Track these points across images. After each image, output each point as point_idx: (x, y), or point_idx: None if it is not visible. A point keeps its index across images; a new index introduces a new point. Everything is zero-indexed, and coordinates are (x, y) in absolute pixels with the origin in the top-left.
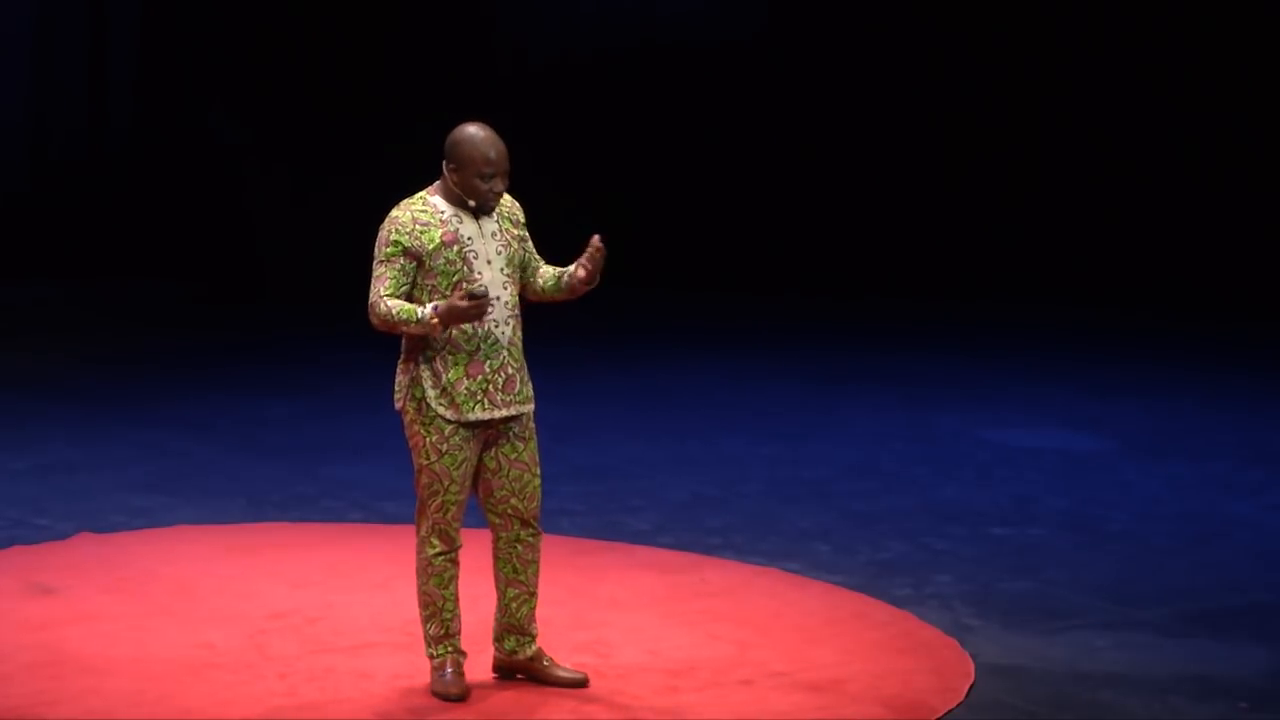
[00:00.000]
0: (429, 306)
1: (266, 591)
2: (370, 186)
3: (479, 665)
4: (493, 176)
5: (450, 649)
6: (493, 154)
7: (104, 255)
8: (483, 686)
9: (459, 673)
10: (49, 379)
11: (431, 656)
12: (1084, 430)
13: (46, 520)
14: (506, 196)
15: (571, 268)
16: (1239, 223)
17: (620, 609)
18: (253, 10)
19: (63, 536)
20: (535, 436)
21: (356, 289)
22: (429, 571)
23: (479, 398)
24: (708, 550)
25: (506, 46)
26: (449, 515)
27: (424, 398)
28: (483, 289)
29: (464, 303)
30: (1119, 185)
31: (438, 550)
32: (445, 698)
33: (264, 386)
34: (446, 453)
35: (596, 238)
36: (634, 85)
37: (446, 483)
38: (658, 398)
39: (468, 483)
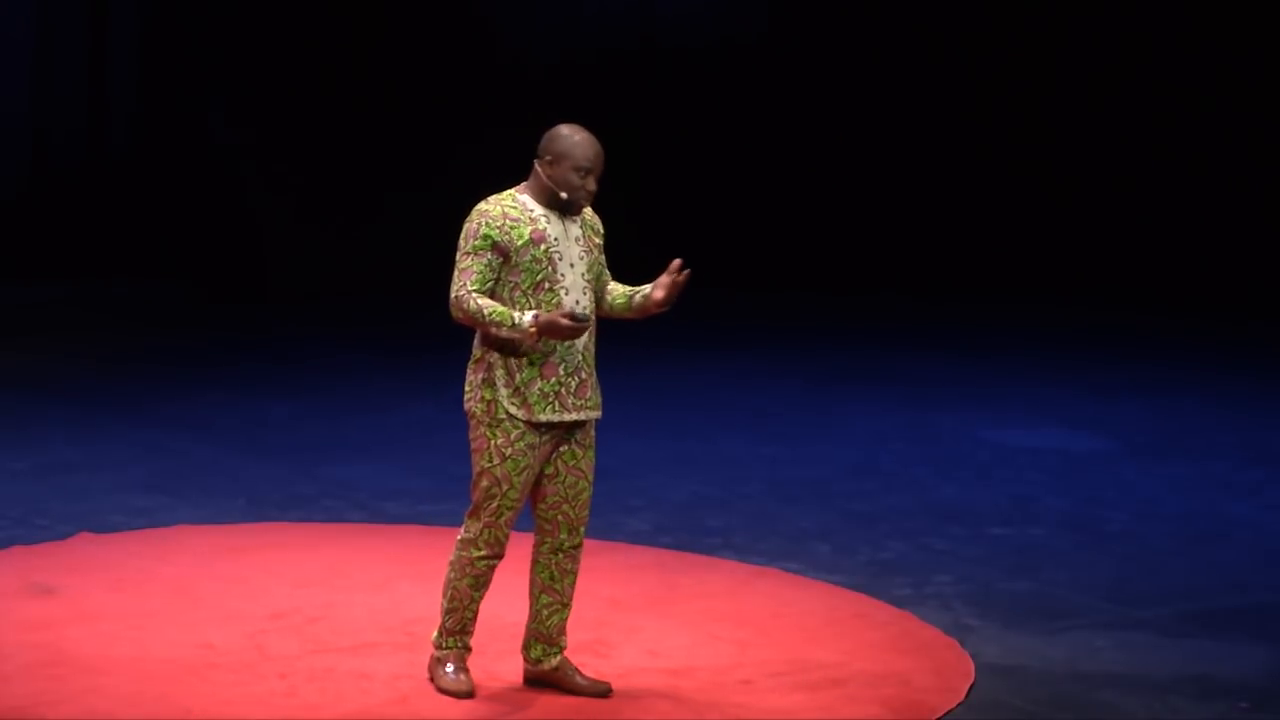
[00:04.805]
0: (529, 315)
1: (266, 591)
2: (370, 186)
3: (505, 670)
4: (588, 174)
5: (460, 644)
6: (591, 151)
7: (104, 255)
8: (480, 685)
9: (464, 669)
10: (49, 379)
11: (439, 646)
12: (1084, 430)
13: (46, 520)
14: (588, 208)
15: (647, 288)
16: (1240, 223)
17: (620, 609)
18: (252, 11)
19: (63, 536)
20: (594, 446)
21: (357, 289)
22: (468, 572)
23: (550, 399)
24: (707, 550)
25: (506, 48)
26: (503, 520)
27: (494, 398)
28: (585, 314)
29: (565, 321)
30: (1120, 185)
31: (483, 554)
32: (455, 694)
33: (264, 386)
34: (510, 457)
35: (678, 262)
36: (635, 87)
37: (506, 487)
38: (658, 398)
39: (527, 490)
